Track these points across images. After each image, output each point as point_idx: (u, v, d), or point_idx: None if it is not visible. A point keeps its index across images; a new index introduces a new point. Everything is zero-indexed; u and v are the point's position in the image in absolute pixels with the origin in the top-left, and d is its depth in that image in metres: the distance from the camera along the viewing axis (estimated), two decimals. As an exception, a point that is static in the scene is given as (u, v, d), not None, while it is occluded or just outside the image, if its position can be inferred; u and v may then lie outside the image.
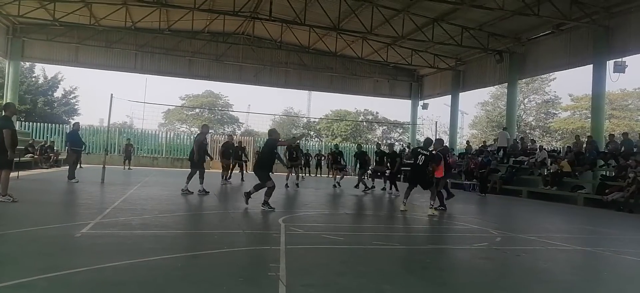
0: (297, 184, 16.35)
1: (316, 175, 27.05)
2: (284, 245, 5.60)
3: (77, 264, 4.28)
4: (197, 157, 11.89)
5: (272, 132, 9.63)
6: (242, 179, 17.37)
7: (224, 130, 49.76)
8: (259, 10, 22.55)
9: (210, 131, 13.78)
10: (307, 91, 53.10)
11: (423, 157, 10.19)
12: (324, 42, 25.64)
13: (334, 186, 17.28)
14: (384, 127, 54.79)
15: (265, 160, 9.23)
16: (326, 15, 20.60)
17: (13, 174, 9.56)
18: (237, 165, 17.77)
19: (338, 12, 20.38)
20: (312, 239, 6.52)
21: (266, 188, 8.88)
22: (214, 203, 10.19)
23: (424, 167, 10.14)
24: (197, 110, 52.49)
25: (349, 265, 4.99)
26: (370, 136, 54.15)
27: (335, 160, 19.76)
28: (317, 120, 55.90)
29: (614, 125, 39.14)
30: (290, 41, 26.91)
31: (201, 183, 11.60)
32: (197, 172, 11.78)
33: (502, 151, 22.52)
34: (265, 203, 8.81)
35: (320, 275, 4.46)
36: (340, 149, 21.25)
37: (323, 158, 27.92)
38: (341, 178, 18.12)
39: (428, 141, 10.79)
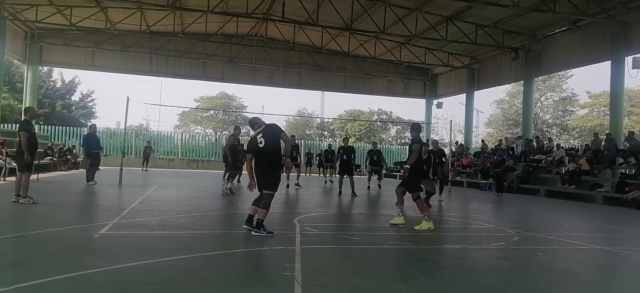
0: (297, 184, 15.83)
1: (319, 175, 26.62)
2: (299, 245, 5.61)
3: (96, 264, 4.35)
4: (232, 160, 12.54)
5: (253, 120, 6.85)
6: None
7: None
8: (271, 12, 22.64)
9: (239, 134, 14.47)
10: (320, 92, 53.22)
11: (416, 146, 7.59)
12: (337, 42, 25.62)
13: (325, 182, 19.28)
14: (398, 127, 54.53)
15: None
16: (339, 16, 20.59)
17: (33, 176, 9.75)
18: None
19: (351, 12, 20.40)
20: (326, 239, 6.53)
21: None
22: (230, 204, 10.26)
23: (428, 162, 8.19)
24: (212, 111, 52.91)
25: (364, 265, 4.98)
26: (384, 136, 54.00)
27: (327, 158, 20.37)
28: (330, 120, 55.97)
29: (634, 122, 38.42)
30: (303, 42, 26.99)
31: (230, 182, 12.32)
32: (230, 171, 12.56)
33: (510, 151, 22.37)
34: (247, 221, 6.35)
35: (335, 275, 4.46)
36: (332, 149, 21.59)
37: (317, 157, 27.57)
38: (331, 176, 19.69)
39: (416, 126, 8.04)
